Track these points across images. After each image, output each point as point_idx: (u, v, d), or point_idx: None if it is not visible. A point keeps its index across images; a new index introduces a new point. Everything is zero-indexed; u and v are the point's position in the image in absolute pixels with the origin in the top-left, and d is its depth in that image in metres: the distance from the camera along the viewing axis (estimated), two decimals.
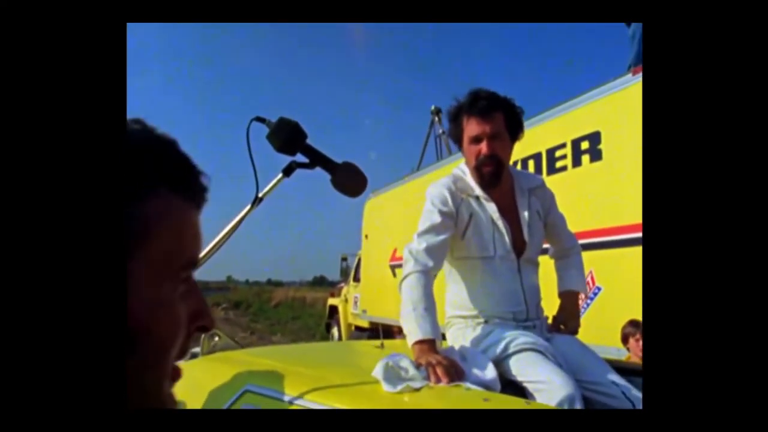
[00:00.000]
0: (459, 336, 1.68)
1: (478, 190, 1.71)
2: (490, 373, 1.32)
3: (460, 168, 1.78)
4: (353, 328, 10.12)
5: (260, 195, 1.27)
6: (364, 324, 9.09)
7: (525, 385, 1.41)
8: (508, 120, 1.69)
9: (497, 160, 1.66)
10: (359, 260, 9.38)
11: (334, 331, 11.19)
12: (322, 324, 12.60)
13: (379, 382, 1.15)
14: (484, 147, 1.65)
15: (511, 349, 1.48)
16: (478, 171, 1.68)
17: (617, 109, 3.55)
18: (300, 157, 1.28)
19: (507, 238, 1.68)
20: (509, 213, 1.73)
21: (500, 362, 1.47)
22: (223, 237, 1.24)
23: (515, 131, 1.72)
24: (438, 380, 1.21)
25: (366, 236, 8.47)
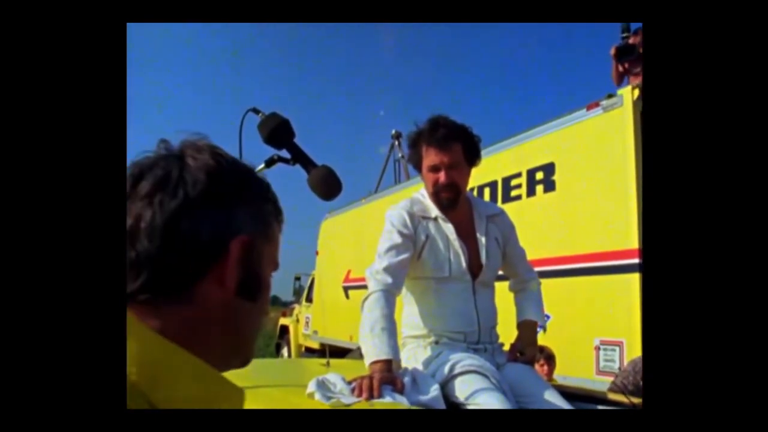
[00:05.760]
0: (411, 357, 1.70)
1: (436, 212, 1.74)
2: (435, 395, 1.33)
3: (420, 192, 1.82)
4: (303, 348, 9.95)
5: None
6: (315, 345, 8.95)
7: (467, 407, 1.43)
8: (465, 149, 1.73)
9: (455, 188, 1.71)
10: (312, 280, 9.28)
11: (284, 351, 10.98)
12: (271, 344, 12.34)
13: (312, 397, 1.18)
14: (442, 176, 1.69)
15: (457, 370, 1.50)
16: (436, 196, 1.73)
17: (571, 142, 3.65)
18: (285, 154, 1.34)
19: (463, 259, 1.70)
20: (467, 236, 1.76)
21: (446, 384, 1.49)
22: None
23: (472, 159, 1.77)
24: (360, 394, 1.24)
25: (320, 257, 8.41)
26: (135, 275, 0.52)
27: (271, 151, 1.34)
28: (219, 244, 0.55)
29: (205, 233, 0.54)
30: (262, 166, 1.34)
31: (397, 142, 8.22)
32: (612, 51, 4.00)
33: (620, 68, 4.08)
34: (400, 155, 8.06)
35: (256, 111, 1.32)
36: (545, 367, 3.11)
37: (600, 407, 1.56)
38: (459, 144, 1.71)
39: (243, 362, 0.62)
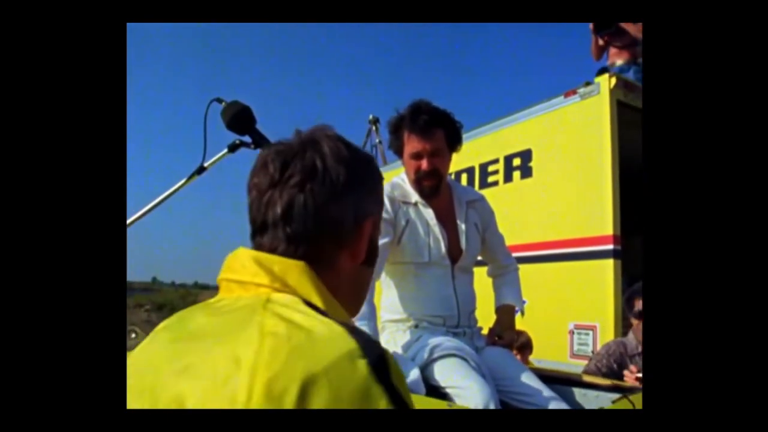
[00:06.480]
0: (391, 341, 1.71)
1: (416, 197, 1.75)
2: (415, 379, 1.35)
3: (400, 176, 1.82)
4: None
5: (205, 165, 1.43)
6: None
7: (447, 390, 1.44)
8: (447, 135, 1.73)
9: (437, 175, 1.71)
10: None
11: None
12: None
13: None
14: (424, 163, 1.69)
15: (436, 354, 1.51)
16: (418, 183, 1.72)
17: (548, 129, 3.68)
18: (248, 139, 1.40)
19: (443, 245, 1.71)
20: (447, 221, 1.77)
21: (426, 367, 1.51)
22: (165, 197, 1.40)
23: (454, 145, 1.77)
24: None
25: None
26: (293, 250, 0.64)
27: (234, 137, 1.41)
28: (357, 225, 0.69)
29: (349, 217, 0.67)
30: (226, 151, 1.40)
31: (374, 128, 8.18)
32: (591, 25, 4.02)
33: (600, 42, 4.11)
34: (377, 140, 8.02)
35: (219, 100, 1.37)
36: (518, 357, 3.15)
37: (575, 389, 1.60)
38: (441, 131, 1.70)
39: (356, 314, 0.75)
